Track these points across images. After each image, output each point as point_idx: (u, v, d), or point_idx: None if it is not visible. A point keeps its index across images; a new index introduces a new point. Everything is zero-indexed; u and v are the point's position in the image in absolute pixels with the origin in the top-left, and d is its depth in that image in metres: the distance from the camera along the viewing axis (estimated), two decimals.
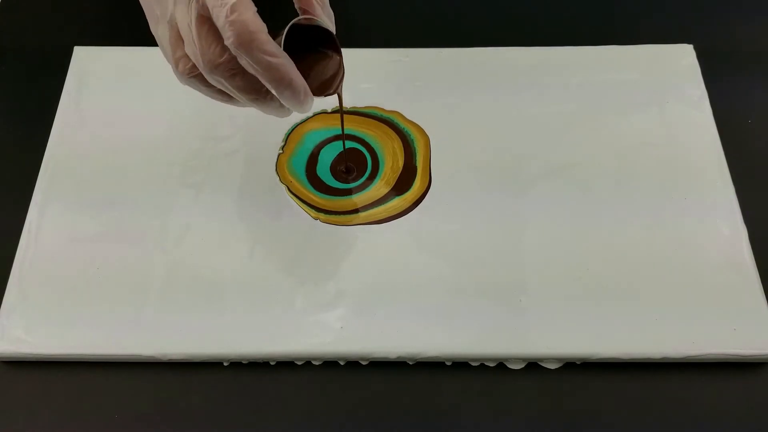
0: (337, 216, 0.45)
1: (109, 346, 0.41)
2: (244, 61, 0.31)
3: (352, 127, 0.49)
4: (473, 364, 0.41)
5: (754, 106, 0.51)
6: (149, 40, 0.52)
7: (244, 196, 0.46)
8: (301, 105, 0.34)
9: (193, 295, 0.43)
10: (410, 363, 0.42)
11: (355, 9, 0.56)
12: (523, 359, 0.41)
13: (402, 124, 0.49)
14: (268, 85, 0.32)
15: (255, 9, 0.31)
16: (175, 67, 0.34)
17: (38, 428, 0.40)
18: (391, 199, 0.46)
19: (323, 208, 0.46)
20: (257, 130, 0.49)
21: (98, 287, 0.43)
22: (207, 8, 0.31)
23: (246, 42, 0.30)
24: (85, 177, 0.47)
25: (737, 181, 0.46)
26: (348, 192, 0.47)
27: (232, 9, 0.30)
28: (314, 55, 0.37)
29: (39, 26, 0.55)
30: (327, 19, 0.35)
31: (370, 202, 0.46)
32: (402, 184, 0.47)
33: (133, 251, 0.44)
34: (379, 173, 0.47)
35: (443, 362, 0.41)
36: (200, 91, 0.35)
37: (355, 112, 0.50)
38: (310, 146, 0.48)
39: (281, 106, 0.35)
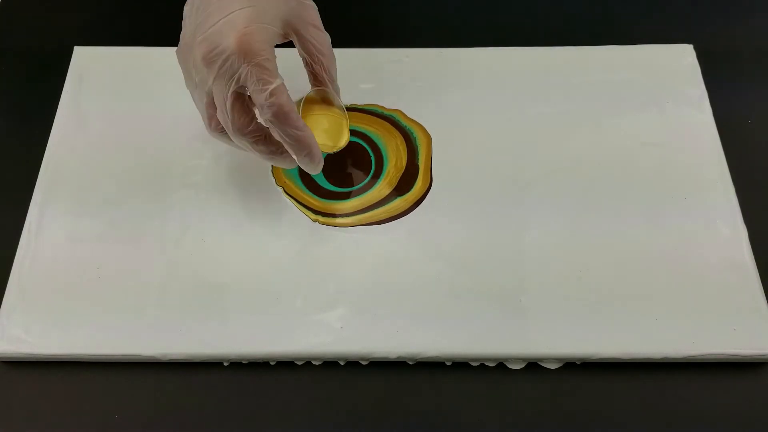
0: (336, 218, 0.45)
1: (109, 346, 0.41)
2: (276, 132, 0.39)
3: (353, 122, 0.49)
4: (473, 364, 0.41)
5: (754, 106, 0.51)
6: (149, 41, 0.52)
7: (244, 196, 0.46)
8: (314, 167, 0.41)
9: (193, 295, 0.43)
10: (410, 363, 0.42)
11: (355, 9, 0.56)
12: (523, 359, 0.41)
13: (404, 122, 0.49)
14: (290, 150, 0.40)
15: (287, 92, 0.38)
16: (208, 125, 0.41)
17: (38, 428, 0.40)
18: (393, 199, 0.46)
19: (321, 210, 0.46)
20: None
21: (98, 287, 0.43)
22: (243, 88, 0.38)
23: (282, 119, 0.38)
24: (85, 177, 0.47)
25: (737, 181, 0.46)
26: (347, 195, 0.46)
27: (272, 93, 0.37)
28: (323, 114, 0.44)
29: (39, 26, 0.55)
30: (336, 94, 0.43)
31: (371, 203, 0.46)
32: (404, 185, 0.47)
33: (133, 251, 0.44)
34: (383, 172, 0.47)
35: (443, 362, 0.41)
36: (223, 142, 0.42)
37: (355, 109, 0.50)
38: None
39: (291, 162, 0.42)
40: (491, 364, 0.41)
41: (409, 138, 0.49)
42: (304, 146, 0.39)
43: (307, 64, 0.42)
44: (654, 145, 0.48)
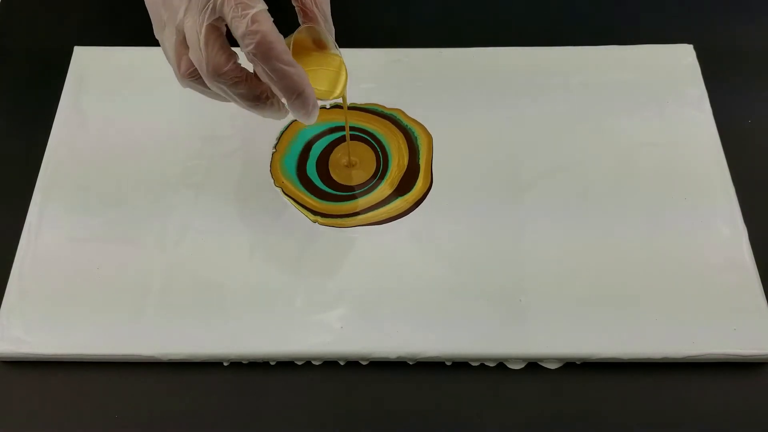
0: (336, 219, 0.45)
1: (109, 346, 0.41)
2: (260, 69, 0.33)
3: (355, 121, 0.49)
4: (473, 364, 0.41)
5: (754, 106, 0.51)
6: (149, 40, 0.52)
7: (244, 196, 0.46)
8: (308, 114, 0.35)
9: (193, 295, 0.43)
10: (410, 363, 0.42)
11: (355, 9, 0.56)
12: (523, 359, 0.41)
13: (405, 121, 0.49)
14: (279, 93, 0.34)
15: (272, 20, 0.33)
16: (177, 68, 0.35)
17: (38, 428, 0.40)
18: (394, 200, 0.46)
19: (321, 211, 0.46)
20: (257, 130, 0.49)
21: (98, 287, 0.43)
22: (219, 19, 0.33)
23: (265, 51, 0.32)
24: (85, 177, 0.47)
25: (737, 181, 0.46)
26: (347, 198, 0.46)
27: (253, 20, 0.32)
28: (317, 60, 0.38)
29: (39, 26, 0.55)
30: (328, 33, 0.38)
31: (372, 204, 0.46)
32: (405, 185, 0.47)
33: (133, 251, 0.44)
34: (387, 172, 0.47)
35: (443, 362, 0.41)
36: (198, 91, 0.37)
37: (355, 108, 0.50)
38: (302, 142, 0.48)
39: (278, 109, 0.36)
40: (491, 364, 0.41)
41: (411, 137, 0.49)
42: (294, 85, 0.34)
43: None
44: (654, 145, 0.48)
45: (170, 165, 0.47)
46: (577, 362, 0.41)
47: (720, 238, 0.44)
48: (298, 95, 0.34)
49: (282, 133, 0.49)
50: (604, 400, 0.41)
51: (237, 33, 0.33)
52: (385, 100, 0.50)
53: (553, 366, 0.41)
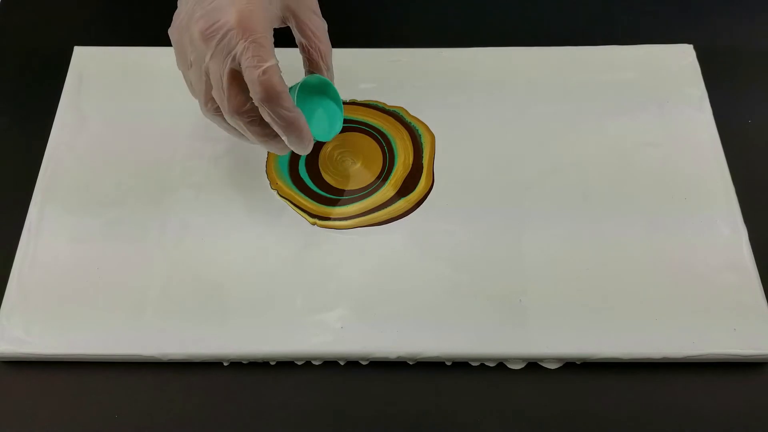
0: (335, 222, 0.45)
1: (109, 346, 0.41)
2: (265, 112, 0.38)
3: (359, 115, 0.49)
4: (473, 364, 0.41)
5: (754, 106, 0.51)
6: (149, 41, 0.52)
7: (243, 196, 0.46)
8: (304, 149, 0.41)
9: (193, 295, 0.43)
10: (410, 363, 0.42)
11: (355, 9, 0.56)
12: (523, 359, 0.41)
13: (408, 118, 0.49)
14: (280, 132, 0.39)
15: (280, 73, 0.37)
16: (204, 105, 0.41)
17: (38, 428, 0.40)
18: (396, 201, 0.46)
19: (318, 214, 0.46)
20: None
21: (98, 287, 0.43)
22: (240, 66, 0.37)
23: (272, 98, 0.37)
24: (85, 177, 0.47)
25: (737, 181, 0.46)
26: (347, 201, 0.46)
27: (264, 72, 0.37)
28: (317, 103, 0.43)
29: (39, 26, 0.55)
30: (330, 80, 0.43)
31: (374, 206, 0.46)
32: (408, 185, 0.47)
33: (133, 251, 0.44)
34: (392, 172, 0.47)
35: (443, 362, 0.41)
36: (217, 124, 0.42)
37: (354, 104, 0.50)
38: None
39: (283, 146, 0.41)
40: (491, 364, 0.41)
41: (415, 135, 0.48)
42: (293, 128, 0.39)
43: (303, 49, 0.42)
44: (654, 145, 0.48)
45: (170, 165, 0.47)
46: (577, 362, 0.41)
47: (720, 238, 0.44)
48: (297, 135, 0.39)
49: None
50: (604, 400, 0.41)
51: (249, 79, 0.37)
52: (385, 100, 0.50)
53: (553, 366, 0.41)
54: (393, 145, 0.48)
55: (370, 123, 0.49)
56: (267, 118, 0.39)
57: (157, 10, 0.55)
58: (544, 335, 0.41)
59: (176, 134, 0.49)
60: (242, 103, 0.39)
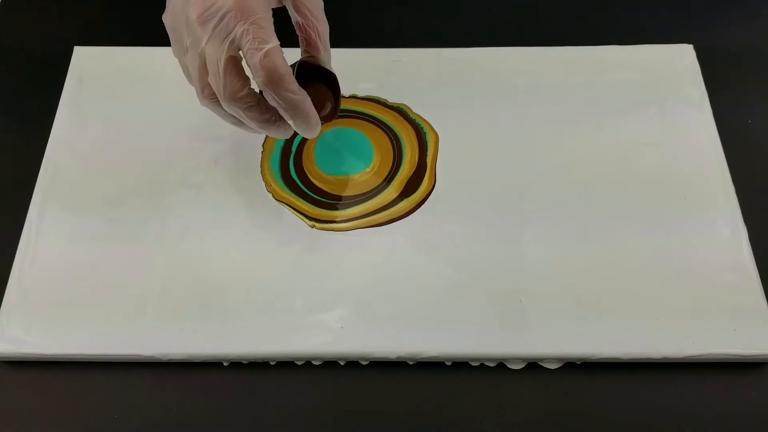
0: (333, 224, 0.45)
1: (109, 346, 0.41)
2: (269, 96, 0.37)
3: (362, 107, 0.49)
4: (473, 364, 0.41)
5: (754, 106, 0.51)
6: (149, 40, 0.52)
7: (244, 196, 0.46)
8: (312, 132, 0.40)
9: (193, 295, 0.43)
10: (410, 363, 0.42)
11: (355, 9, 0.56)
12: (523, 359, 0.41)
13: (412, 115, 0.49)
14: (286, 116, 0.38)
15: (283, 54, 0.36)
16: (200, 91, 0.39)
17: (38, 428, 0.40)
18: (399, 202, 0.46)
19: (316, 217, 0.45)
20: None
21: (98, 287, 0.43)
22: (237, 50, 0.36)
23: (275, 81, 0.36)
24: (85, 177, 0.47)
25: (737, 181, 0.46)
26: (345, 205, 0.46)
27: (266, 54, 0.36)
28: (316, 85, 0.42)
29: (39, 26, 0.55)
30: (328, 61, 0.42)
31: (375, 208, 0.46)
32: (411, 185, 0.46)
33: (133, 251, 0.44)
34: (397, 173, 0.47)
35: (443, 362, 0.41)
36: (215, 112, 0.40)
37: (355, 97, 0.49)
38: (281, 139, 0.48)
39: (285, 129, 0.40)
40: (491, 364, 0.41)
41: (420, 131, 0.48)
42: (299, 111, 0.38)
43: (300, 29, 0.40)
44: (654, 145, 0.48)
45: (170, 165, 0.47)
46: (577, 362, 0.41)
47: (720, 238, 0.44)
48: (303, 118, 0.38)
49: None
50: (604, 400, 0.41)
51: (251, 63, 0.36)
52: (385, 100, 0.50)
53: (553, 366, 0.41)
54: (401, 141, 0.48)
55: (376, 116, 0.49)
56: (272, 102, 0.38)
57: (157, 10, 0.55)
58: (544, 335, 0.41)
59: (176, 134, 0.49)
60: (239, 88, 0.37)
